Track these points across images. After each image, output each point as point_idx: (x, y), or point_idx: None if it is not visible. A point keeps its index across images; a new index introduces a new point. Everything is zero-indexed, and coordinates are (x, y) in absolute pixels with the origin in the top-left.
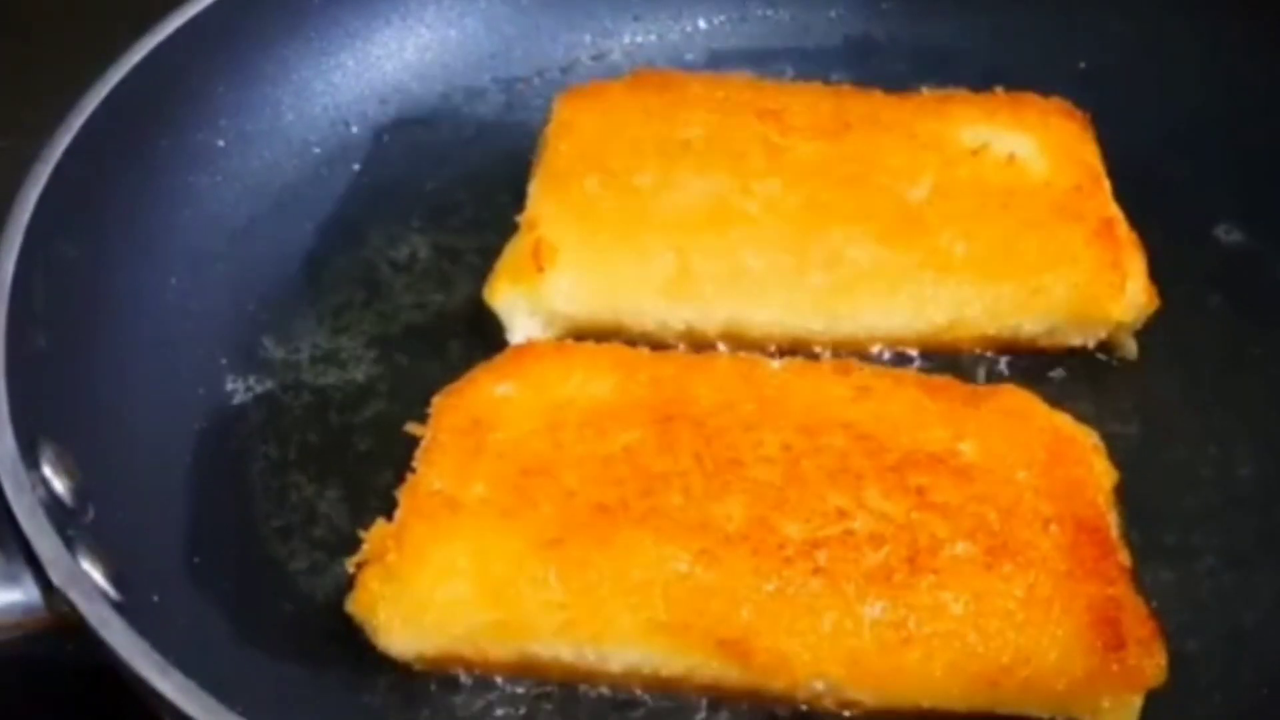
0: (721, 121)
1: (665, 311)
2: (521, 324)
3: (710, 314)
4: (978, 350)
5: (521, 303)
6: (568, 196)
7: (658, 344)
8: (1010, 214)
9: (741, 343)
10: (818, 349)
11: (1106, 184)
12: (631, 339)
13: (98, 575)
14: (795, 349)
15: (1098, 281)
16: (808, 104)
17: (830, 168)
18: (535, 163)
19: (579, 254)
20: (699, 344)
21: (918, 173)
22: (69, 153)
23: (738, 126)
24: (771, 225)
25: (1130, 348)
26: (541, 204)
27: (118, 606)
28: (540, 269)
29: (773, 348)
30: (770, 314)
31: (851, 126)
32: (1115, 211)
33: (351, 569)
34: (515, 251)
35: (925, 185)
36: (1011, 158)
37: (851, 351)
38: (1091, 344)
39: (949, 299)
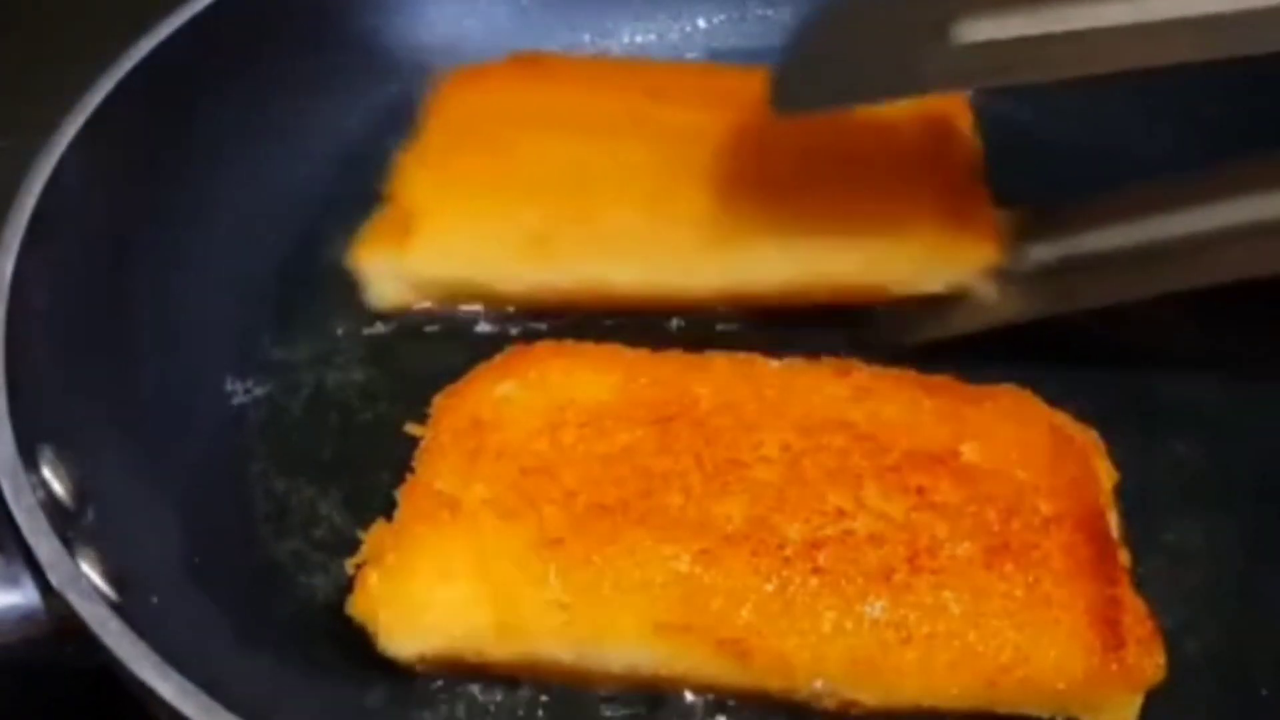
0: (598, 98)
1: (528, 273)
2: (388, 288)
3: (572, 273)
4: (845, 300)
5: (386, 267)
6: (436, 167)
7: (526, 308)
8: (869, 167)
9: (608, 303)
10: (680, 313)
11: (964, 126)
12: (498, 302)
13: (97, 577)
14: (660, 309)
15: (950, 227)
16: (688, 80)
17: (699, 136)
18: (420, 131)
19: (443, 219)
20: (565, 306)
21: (784, 136)
22: (69, 152)
23: (614, 102)
24: (633, 186)
25: (988, 291)
26: (410, 174)
27: (117, 608)
28: (405, 233)
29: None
30: (633, 272)
31: (726, 100)
32: (968, 157)
33: (351, 570)
34: (381, 218)
35: (792, 147)
36: (873, 117)
37: (708, 313)
38: (945, 289)
39: (810, 249)
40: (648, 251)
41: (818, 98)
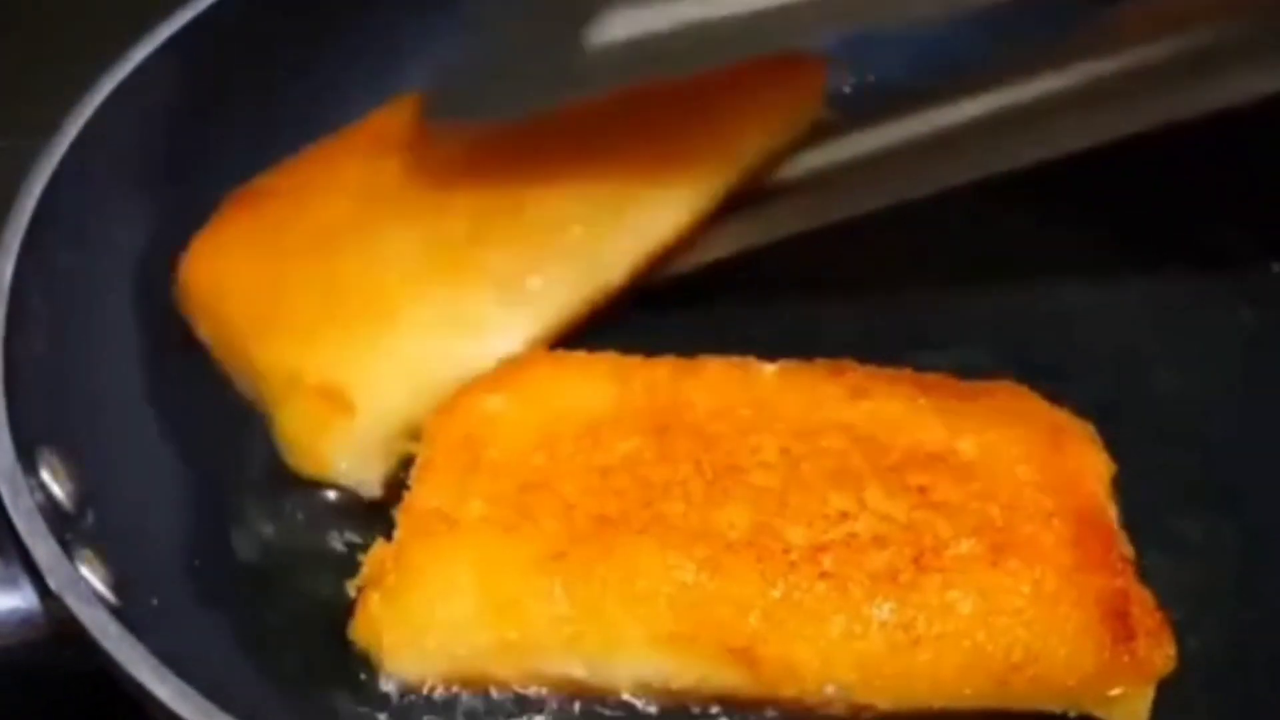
0: (362, 178)
1: (480, 348)
2: (367, 471)
3: (524, 318)
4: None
5: (346, 451)
6: (294, 335)
7: None
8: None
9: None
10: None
11: None
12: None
13: (96, 580)
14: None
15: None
16: (399, 125)
17: (491, 157)
18: (214, 338)
19: (359, 368)
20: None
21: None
22: (69, 153)
23: (378, 174)
24: (502, 225)
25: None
26: (280, 357)
27: (115, 612)
28: (346, 409)
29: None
30: (569, 279)
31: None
32: None
33: (353, 592)
34: (304, 414)
35: (590, 123)
36: None
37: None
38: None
39: (689, 180)
40: (572, 261)
41: (469, 109)
